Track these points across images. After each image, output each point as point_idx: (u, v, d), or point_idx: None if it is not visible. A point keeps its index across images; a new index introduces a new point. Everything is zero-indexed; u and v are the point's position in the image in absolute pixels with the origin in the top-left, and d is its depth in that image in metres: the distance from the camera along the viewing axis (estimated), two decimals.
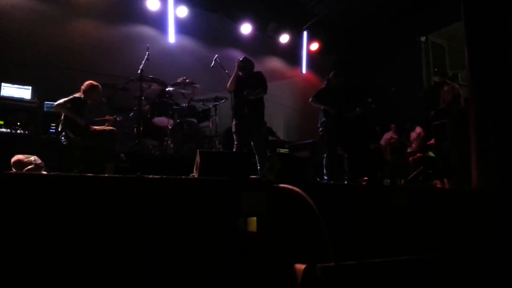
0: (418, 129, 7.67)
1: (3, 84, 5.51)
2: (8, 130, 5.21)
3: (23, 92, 5.62)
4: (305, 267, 1.99)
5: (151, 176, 2.40)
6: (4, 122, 5.21)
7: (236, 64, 5.14)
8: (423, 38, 9.90)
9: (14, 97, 5.48)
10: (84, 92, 4.78)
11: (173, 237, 2.27)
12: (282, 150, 7.20)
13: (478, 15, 4.64)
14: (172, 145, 6.02)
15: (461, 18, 4.86)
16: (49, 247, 1.99)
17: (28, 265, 1.93)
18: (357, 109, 5.67)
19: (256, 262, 2.35)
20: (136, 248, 2.17)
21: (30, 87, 5.69)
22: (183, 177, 2.96)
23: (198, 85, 6.47)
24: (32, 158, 4.01)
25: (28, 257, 1.95)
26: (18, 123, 5.28)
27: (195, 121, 6.29)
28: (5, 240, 1.92)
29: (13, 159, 3.95)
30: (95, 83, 4.88)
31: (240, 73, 5.13)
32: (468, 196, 3.80)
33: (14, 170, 3.83)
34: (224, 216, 2.42)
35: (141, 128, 5.70)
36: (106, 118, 5.01)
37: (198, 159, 3.21)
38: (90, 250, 2.07)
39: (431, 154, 7.24)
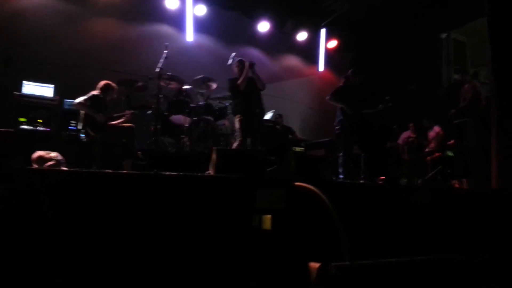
0: (436, 129, 7.54)
1: (24, 82, 5.65)
2: (30, 127, 5.34)
3: (44, 90, 5.75)
4: (320, 266, 1.98)
5: (168, 173, 2.43)
6: (26, 119, 5.34)
7: (248, 64, 5.56)
8: (444, 35, 9.70)
9: (36, 95, 5.61)
10: (101, 90, 4.91)
11: (188, 234, 2.30)
12: (298, 149, 7.18)
13: (502, 10, 4.53)
14: (188, 143, 6.07)
15: (483, 14, 4.76)
16: (68, 242, 2.04)
17: (47, 259, 1.98)
18: (379, 105, 5.61)
19: (271, 260, 2.35)
20: (152, 244, 2.21)
21: (52, 85, 5.82)
22: (199, 174, 2.99)
23: (215, 83, 6.51)
24: (53, 154, 4.09)
25: (48, 250, 2.00)
26: (39, 120, 5.41)
27: (212, 119, 6.33)
28: (26, 233, 1.98)
29: (34, 155, 4.04)
30: (110, 82, 5.00)
31: (250, 74, 5.56)
32: (488, 197, 3.72)
33: (35, 165, 3.93)
34: (240, 213, 2.44)
35: (159, 126, 5.77)
36: (125, 113, 5.11)
37: (214, 156, 3.24)
38: (107, 245, 2.11)
39: (449, 153, 7.11)
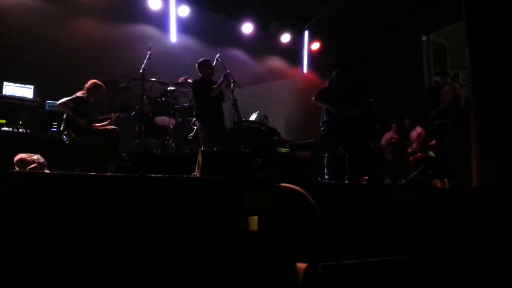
0: (418, 129, 7.69)
1: (5, 83, 5.53)
2: (11, 129, 5.23)
3: (25, 91, 5.64)
4: (307, 266, 2.00)
5: (153, 175, 2.41)
6: (7, 121, 5.22)
7: (228, 78, 5.54)
8: (424, 38, 9.90)
9: (16, 96, 5.50)
10: (88, 91, 4.78)
11: (174, 236, 2.28)
12: (283, 150, 7.20)
13: (479, 14, 4.64)
14: (173, 144, 6.03)
15: (462, 17, 4.86)
16: (52, 246, 2.01)
17: (30, 264, 1.95)
18: (366, 106, 5.71)
19: (258, 261, 2.36)
20: (137, 247, 2.19)
21: (32, 86, 5.71)
22: (185, 176, 2.97)
23: None
24: (35, 157, 4.02)
25: (31, 255, 1.96)
26: (20, 122, 5.30)
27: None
28: (8, 238, 1.94)
29: (16, 158, 3.96)
30: (98, 82, 4.88)
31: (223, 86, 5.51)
32: (468, 196, 3.80)
33: (17, 168, 3.85)
34: (226, 215, 2.44)
35: (143, 127, 5.72)
36: (111, 116, 5.03)
37: (200, 158, 3.23)
38: (92, 248, 2.08)
39: (431, 153, 7.25)
